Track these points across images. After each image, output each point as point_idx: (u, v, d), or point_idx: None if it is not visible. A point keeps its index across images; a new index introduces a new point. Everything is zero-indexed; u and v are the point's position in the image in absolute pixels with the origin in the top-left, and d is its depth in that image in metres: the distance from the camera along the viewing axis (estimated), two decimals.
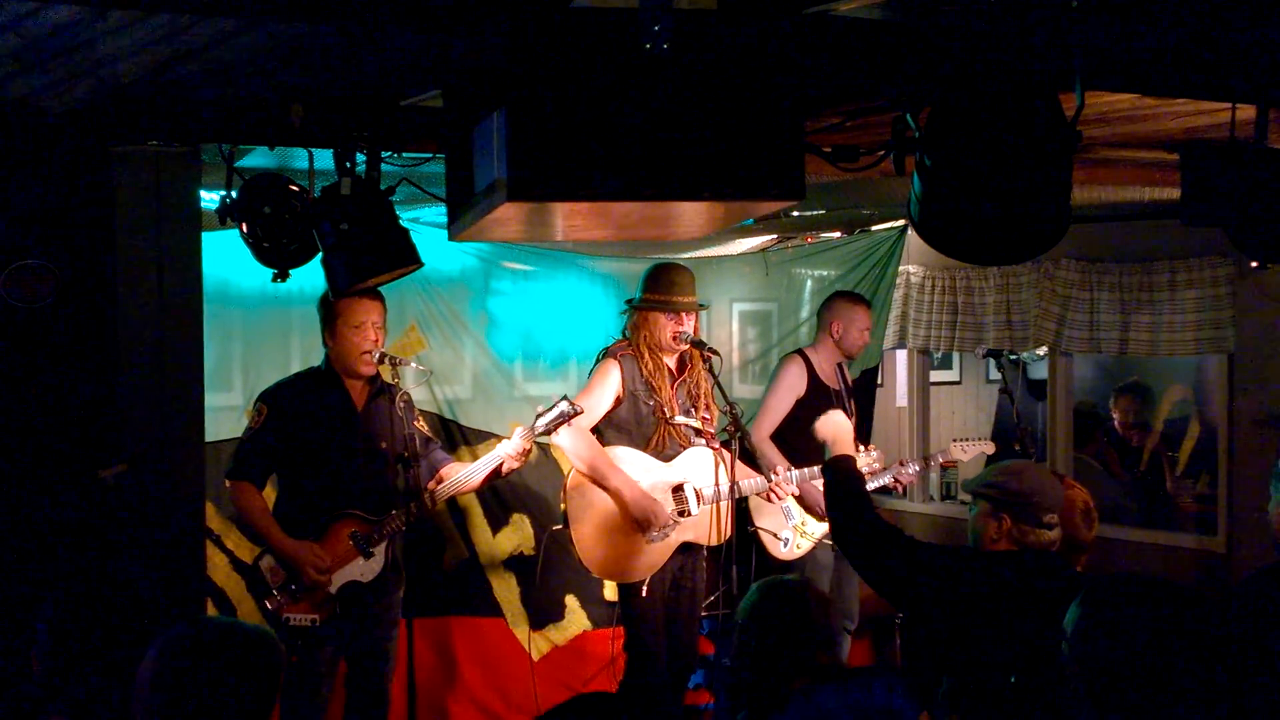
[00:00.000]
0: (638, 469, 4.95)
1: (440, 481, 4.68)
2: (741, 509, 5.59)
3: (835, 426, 3.92)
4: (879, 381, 7.16)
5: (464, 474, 4.66)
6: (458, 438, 5.85)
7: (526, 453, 4.63)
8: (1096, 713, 2.20)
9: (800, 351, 5.94)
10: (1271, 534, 3.45)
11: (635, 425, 4.98)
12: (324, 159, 3.92)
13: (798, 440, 5.69)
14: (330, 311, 4.52)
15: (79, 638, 2.58)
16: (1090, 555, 3.92)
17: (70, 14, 2.73)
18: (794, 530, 5.68)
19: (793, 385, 5.79)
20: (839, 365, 5.97)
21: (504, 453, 4.58)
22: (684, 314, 4.95)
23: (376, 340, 4.53)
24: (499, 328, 6.06)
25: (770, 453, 5.58)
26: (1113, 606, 2.24)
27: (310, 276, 4.02)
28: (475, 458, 5.51)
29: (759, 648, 3.17)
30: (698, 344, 4.97)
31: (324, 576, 4.41)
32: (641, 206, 2.79)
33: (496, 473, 4.66)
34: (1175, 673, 2.15)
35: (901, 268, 7.02)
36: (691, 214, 3.01)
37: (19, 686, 3.44)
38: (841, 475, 3.73)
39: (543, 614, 5.99)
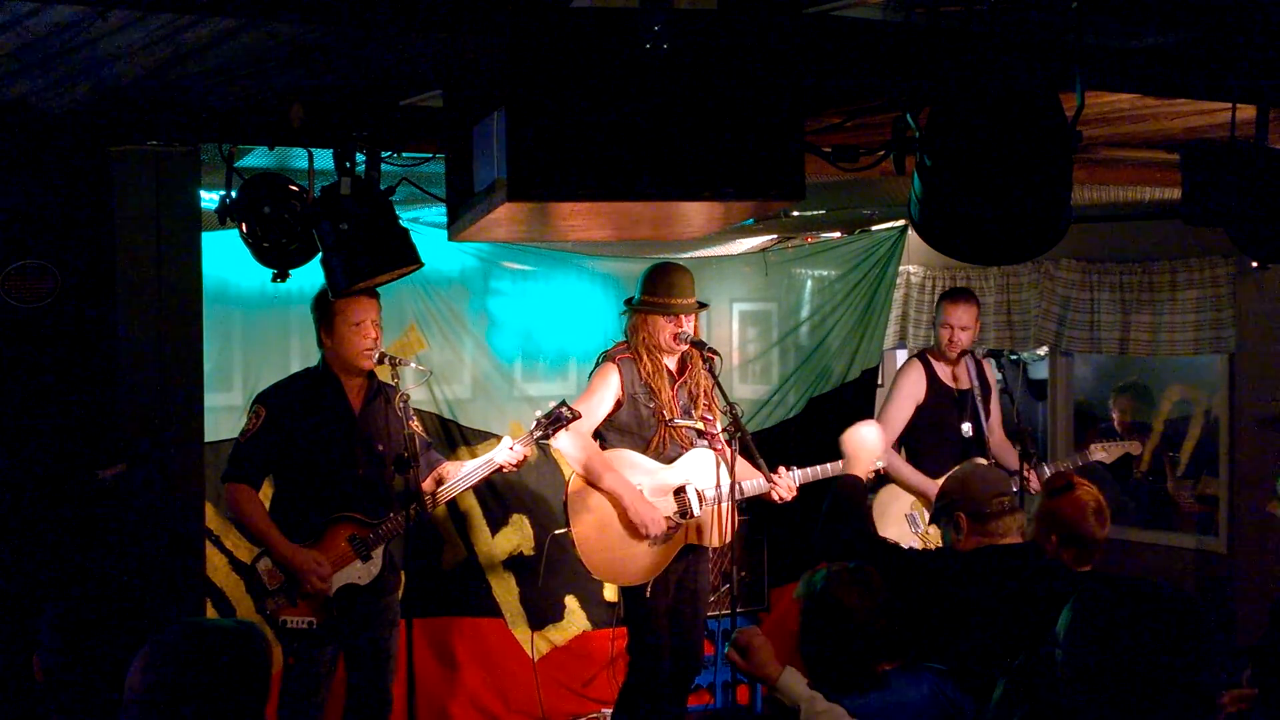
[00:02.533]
0: (639, 471, 4.94)
1: (439, 481, 4.68)
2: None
3: (857, 441, 4.03)
4: (879, 381, 7.15)
5: (464, 473, 4.66)
6: (457, 438, 5.84)
7: (523, 459, 4.66)
8: (1090, 715, 2.20)
9: (921, 354, 5.86)
10: (1275, 528, 3.48)
11: (636, 428, 4.97)
12: (324, 159, 3.92)
13: (922, 446, 5.65)
14: (328, 311, 4.50)
15: (80, 639, 2.57)
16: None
17: (70, 14, 2.72)
18: (919, 539, 5.60)
19: (911, 391, 5.70)
20: (978, 362, 5.86)
21: (501, 460, 4.61)
22: (682, 315, 4.92)
23: (376, 338, 4.52)
24: (499, 328, 6.05)
25: (895, 464, 5.48)
26: (1104, 611, 2.23)
27: (310, 276, 4.02)
28: (475, 458, 5.51)
29: (839, 630, 3.11)
30: (698, 344, 4.93)
31: (325, 584, 4.40)
32: (641, 206, 2.79)
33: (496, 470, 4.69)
34: (1166, 676, 2.15)
35: (901, 268, 7.02)
36: (691, 214, 3.01)
37: (21, 688, 3.44)
38: (847, 491, 3.87)
39: (542, 614, 5.99)
